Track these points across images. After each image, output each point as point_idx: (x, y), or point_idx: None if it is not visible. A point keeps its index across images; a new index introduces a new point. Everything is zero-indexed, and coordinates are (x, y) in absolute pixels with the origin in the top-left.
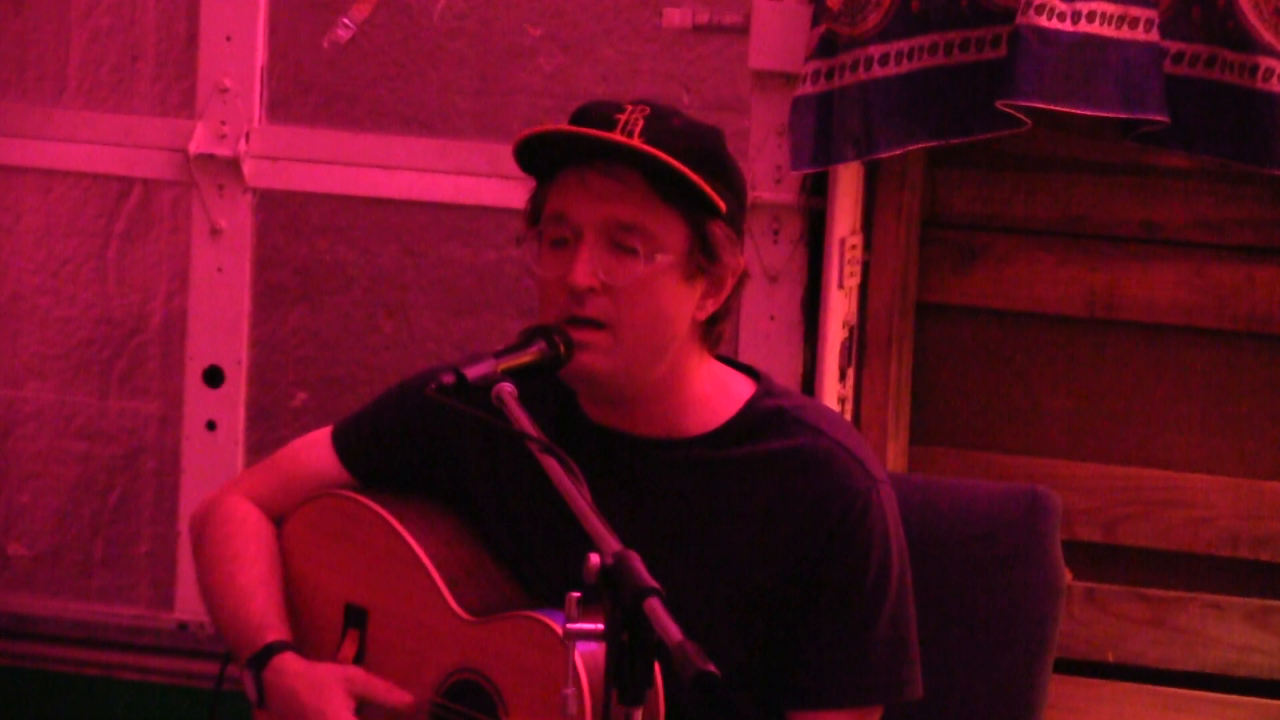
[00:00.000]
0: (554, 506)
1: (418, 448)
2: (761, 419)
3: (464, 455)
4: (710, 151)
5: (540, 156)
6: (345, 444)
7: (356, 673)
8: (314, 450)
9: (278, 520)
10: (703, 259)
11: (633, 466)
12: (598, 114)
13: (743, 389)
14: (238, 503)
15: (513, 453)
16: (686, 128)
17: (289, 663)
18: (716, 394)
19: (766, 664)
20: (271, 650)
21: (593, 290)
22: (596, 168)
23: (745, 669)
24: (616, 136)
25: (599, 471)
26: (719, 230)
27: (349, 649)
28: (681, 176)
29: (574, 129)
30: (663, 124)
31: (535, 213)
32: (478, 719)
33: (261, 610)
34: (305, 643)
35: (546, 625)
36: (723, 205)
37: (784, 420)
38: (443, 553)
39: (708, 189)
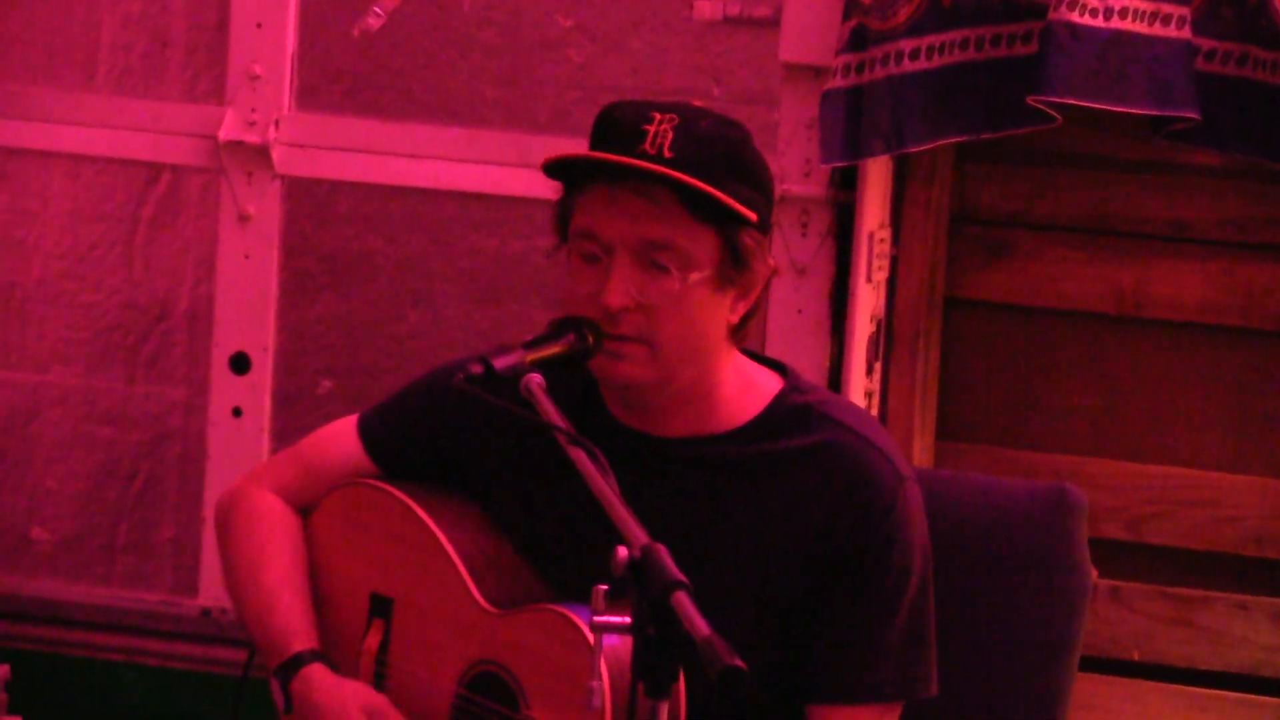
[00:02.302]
0: (580, 499)
1: (444, 438)
2: (788, 415)
3: (490, 447)
4: (739, 157)
5: (567, 166)
6: (370, 434)
7: (380, 702)
8: (339, 440)
9: (303, 510)
10: (734, 270)
11: (659, 465)
12: (625, 125)
13: (770, 385)
14: (262, 495)
15: (539, 445)
16: (715, 133)
17: (316, 676)
18: (743, 390)
19: (788, 659)
20: (299, 661)
21: (627, 310)
22: (627, 186)
23: (768, 664)
24: (649, 165)
25: (625, 471)
26: (749, 240)
27: (374, 639)
28: (713, 196)
29: (605, 156)
30: (691, 134)
31: (563, 224)
32: (499, 711)
33: (287, 613)
34: (330, 632)
35: (570, 619)
36: (754, 216)
37: (811, 416)
38: (468, 544)
39: (739, 206)
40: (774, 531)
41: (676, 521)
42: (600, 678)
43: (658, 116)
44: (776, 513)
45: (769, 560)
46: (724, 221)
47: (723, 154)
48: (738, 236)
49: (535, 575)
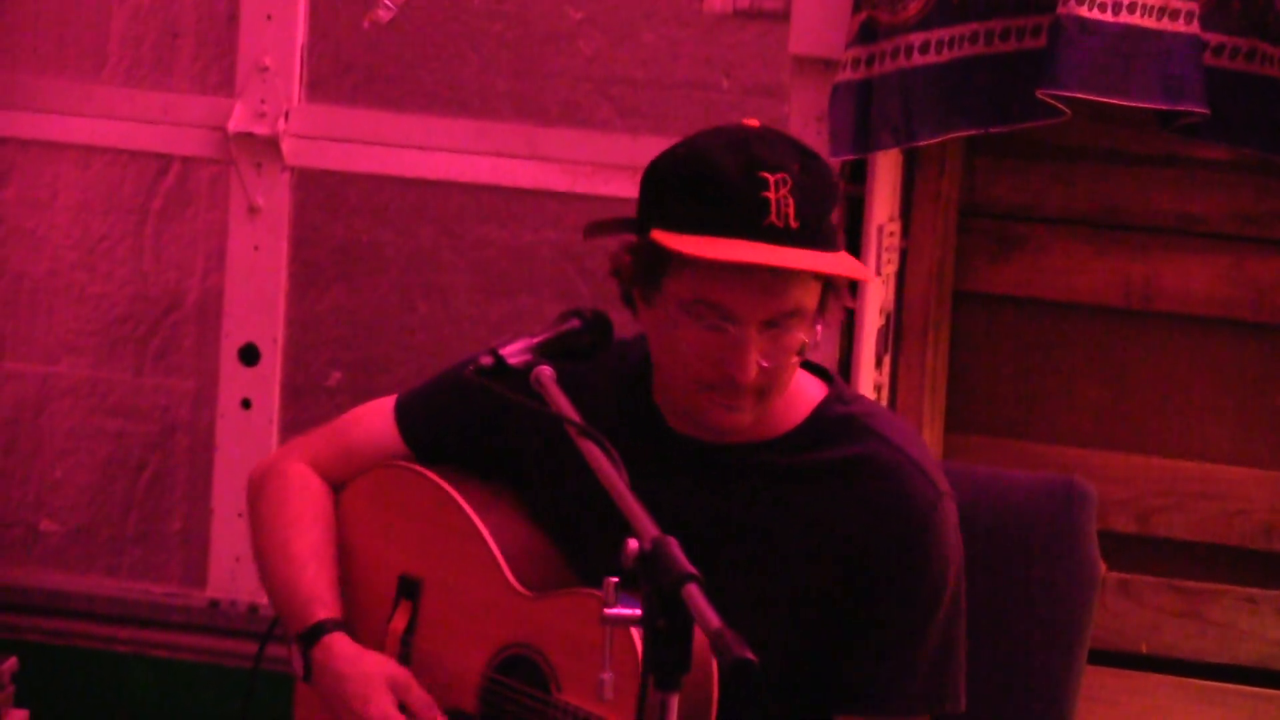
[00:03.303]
0: (604, 490)
1: (477, 428)
2: (830, 425)
3: (522, 437)
4: (837, 197)
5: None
6: (407, 418)
7: (403, 675)
8: (375, 421)
9: (335, 487)
10: (830, 303)
11: (705, 470)
12: (742, 192)
13: (814, 392)
14: (297, 467)
15: (566, 436)
16: (817, 182)
17: (339, 645)
18: (789, 397)
19: (817, 668)
20: (322, 629)
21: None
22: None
23: (797, 671)
24: (814, 263)
25: (677, 475)
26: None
27: (400, 620)
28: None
29: (766, 261)
30: (806, 192)
31: (652, 274)
32: (529, 694)
33: (312, 582)
34: (356, 612)
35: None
36: (871, 275)
37: (853, 427)
38: (502, 529)
39: (864, 273)
40: (810, 540)
41: (717, 525)
42: (612, 669)
43: (770, 179)
44: (814, 522)
45: (803, 568)
46: None
47: (829, 204)
48: (836, 277)
49: (567, 563)
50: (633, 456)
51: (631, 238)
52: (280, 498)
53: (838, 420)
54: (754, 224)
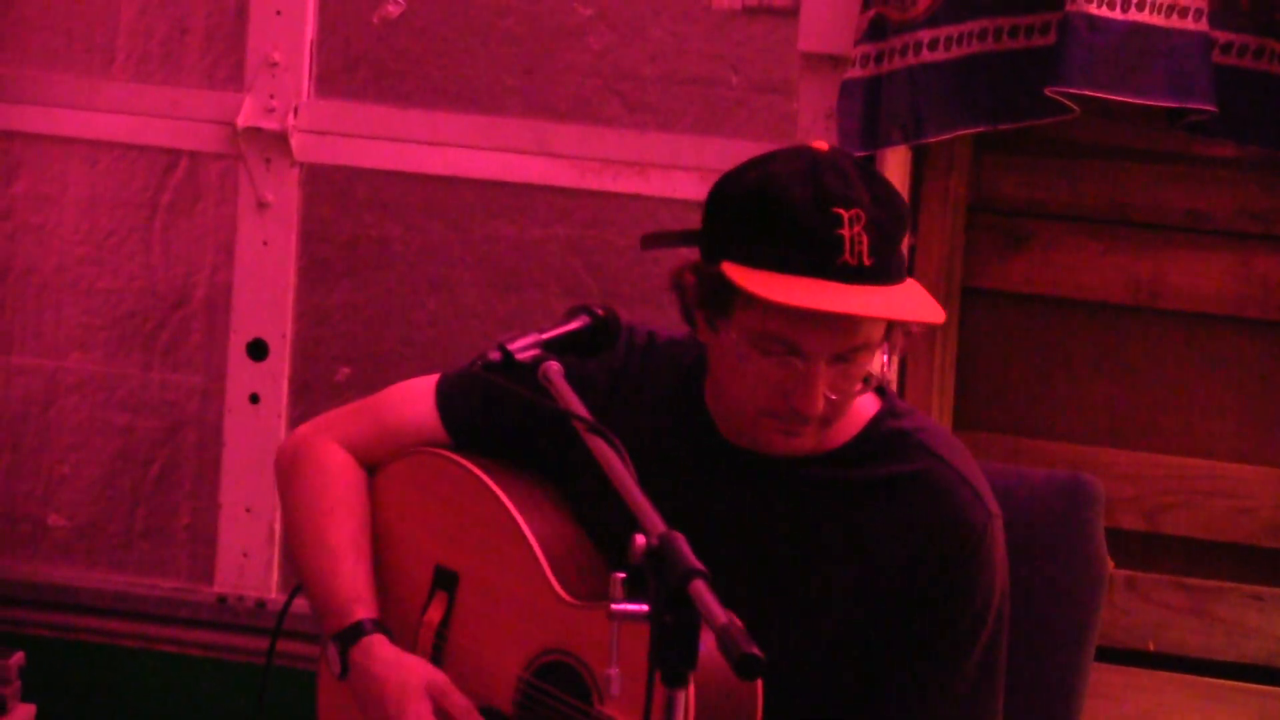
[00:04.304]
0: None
1: (523, 420)
2: (884, 440)
3: (561, 434)
4: (907, 229)
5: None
6: (449, 403)
7: (442, 680)
8: (415, 404)
9: (369, 468)
10: (893, 331)
11: (754, 480)
12: (816, 230)
13: (867, 405)
14: (333, 450)
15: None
16: (892, 216)
17: (378, 648)
18: None
19: (851, 683)
20: (361, 630)
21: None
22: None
23: (831, 685)
24: (876, 308)
25: (723, 484)
26: None
27: (436, 612)
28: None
29: (835, 308)
30: (881, 229)
31: (721, 302)
32: (569, 702)
33: (351, 578)
34: (390, 598)
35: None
36: (942, 316)
37: (907, 444)
38: (545, 529)
39: (934, 307)
40: (855, 555)
41: (761, 534)
42: (618, 665)
43: (844, 215)
44: (861, 537)
45: (846, 583)
46: None
47: (900, 235)
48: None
49: (609, 567)
50: (681, 460)
51: (694, 254)
52: (316, 484)
53: (891, 435)
54: (827, 263)
